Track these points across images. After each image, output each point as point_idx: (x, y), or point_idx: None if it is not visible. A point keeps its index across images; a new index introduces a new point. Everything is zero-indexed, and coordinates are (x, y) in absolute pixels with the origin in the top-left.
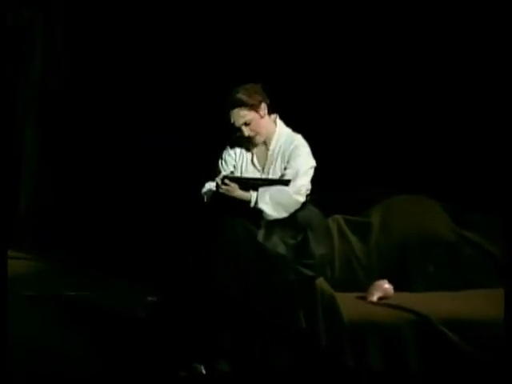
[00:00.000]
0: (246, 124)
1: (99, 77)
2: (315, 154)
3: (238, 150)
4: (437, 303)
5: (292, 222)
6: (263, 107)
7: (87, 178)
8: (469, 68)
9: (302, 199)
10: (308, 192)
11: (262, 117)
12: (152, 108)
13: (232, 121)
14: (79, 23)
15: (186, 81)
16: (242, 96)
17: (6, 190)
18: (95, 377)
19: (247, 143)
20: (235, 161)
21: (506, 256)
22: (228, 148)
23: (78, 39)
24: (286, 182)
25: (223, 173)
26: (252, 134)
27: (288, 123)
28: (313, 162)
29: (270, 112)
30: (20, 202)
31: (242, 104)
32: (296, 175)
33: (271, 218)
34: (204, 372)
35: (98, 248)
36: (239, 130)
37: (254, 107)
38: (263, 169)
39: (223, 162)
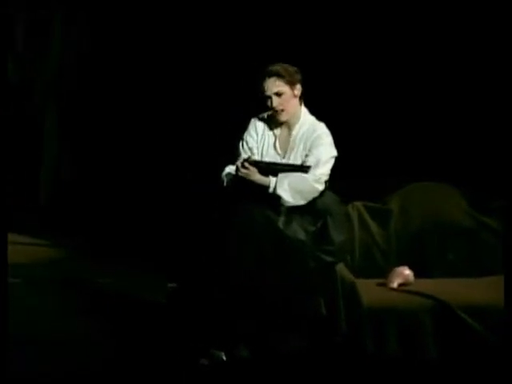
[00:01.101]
0: (278, 94)
1: (118, 53)
2: (336, 141)
3: (260, 132)
4: (456, 290)
5: (311, 209)
6: (298, 88)
7: (105, 162)
8: (488, 53)
9: (321, 188)
10: (327, 178)
11: (294, 96)
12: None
13: (265, 88)
14: (99, 2)
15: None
16: (281, 69)
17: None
18: (115, 364)
19: (270, 122)
20: (257, 142)
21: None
22: (250, 129)
23: (98, 16)
24: (306, 169)
25: (243, 155)
26: (280, 107)
27: (310, 111)
28: (334, 152)
29: (300, 98)
30: (40, 189)
31: (280, 75)
32: (317, 164)
33: (289, 204)
34: (224, 359)
35: (118, 234)
36: (267, 100)
37: (291, 83)
38: (284, 154)
39: (244, 144)
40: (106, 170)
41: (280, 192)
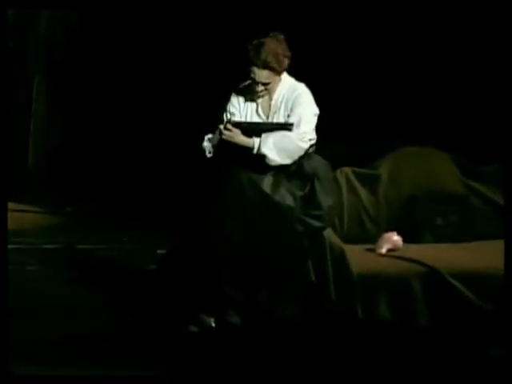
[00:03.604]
0: (265, 84)
1: (107, 27)
2: (322, 106)
3: (241, 100)
4: (445, 255)
5: (299, 173)
6: (284, 72)
7: (95, 129)
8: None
9: (306, 146)
10: (313, 142)
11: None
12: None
13: (255, 74)
14: None
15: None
16: (274, 63)
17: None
18: (104, 330)
19: (252, 94)
20: (239, 112)
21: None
22: (232, 100)
23: None
24: (289, 126)
25: None
26: (264, 92)
27: (294, 74)
28: (316, 110)
29: None
30: (29, 156)
31: (270, 68)
32: (299, 122)
33: (275, 163)
34: (213, 325)
35: (107, 201)
36: (252, 79)
37: (279, 73)
38: (267, 118)
39: (227, 114)
40: (95, 136)
41: (265, 151)
